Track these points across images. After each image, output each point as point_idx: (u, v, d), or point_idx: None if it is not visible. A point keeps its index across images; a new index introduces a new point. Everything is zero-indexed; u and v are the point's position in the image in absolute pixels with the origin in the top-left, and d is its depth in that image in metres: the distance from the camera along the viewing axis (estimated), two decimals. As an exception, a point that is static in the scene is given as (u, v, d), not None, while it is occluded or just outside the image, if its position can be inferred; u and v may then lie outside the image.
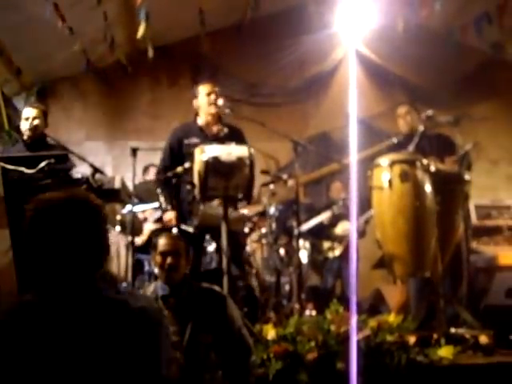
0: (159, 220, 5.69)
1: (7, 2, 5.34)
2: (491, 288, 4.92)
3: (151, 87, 7.71)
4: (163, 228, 5.55)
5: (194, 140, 4.50)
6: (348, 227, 6.19)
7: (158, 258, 3.27)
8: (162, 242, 3.31)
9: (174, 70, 7.70)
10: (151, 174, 6.07)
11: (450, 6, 6.76)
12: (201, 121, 4.66)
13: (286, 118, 7.27)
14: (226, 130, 4.62)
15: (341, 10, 6.81)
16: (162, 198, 4.53)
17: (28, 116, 4.57)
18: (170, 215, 4.49)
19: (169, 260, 3.23)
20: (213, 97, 4.57)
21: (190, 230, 4.30)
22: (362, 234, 6.14)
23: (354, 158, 3.18)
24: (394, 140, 5.29)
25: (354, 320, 3.51)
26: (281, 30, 7.52)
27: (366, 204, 4.90)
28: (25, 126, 4.57)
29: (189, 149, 4.40)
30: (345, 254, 6.14)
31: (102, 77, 7.43)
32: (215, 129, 4.62)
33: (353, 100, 2.74)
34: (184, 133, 4.64)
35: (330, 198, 6.72)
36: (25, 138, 4.60)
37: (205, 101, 4.59)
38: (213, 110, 4.56)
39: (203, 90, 4.62)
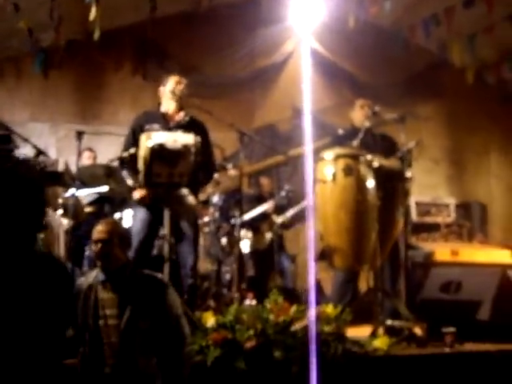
0: (92, 203, 5.63)
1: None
2: (427, 282, 5.05)
3: (98, 71, 7.59)
4: (95, 212, 5.52)
5: (156, 126, 4.49)
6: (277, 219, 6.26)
7: (93, 246, 3.27)
8: (95, 229, 3.30)
9: (121, 55, 7.59)
10: (84, 159, 5.96)
11: (399, 6, 6.88)
12: (164, 108, 4.66)
13: (232, 109, 7.27)
14: (187, 118, 4.64)
15: (293, 3, 6.84)
16: (127, 179, 4.47)
17: None
18: (142, 192, 4.42)
19: (99, 247, 3.23)
20: (180, 86, 4.60)
21: (166, 210, 4.23)
22: (287, 226, 6.23)
23: (309, 148, 3.20)
24: (340, 131, 5.37)
25: (312, 312, 3.57)
26: (233, 20, 7.52)
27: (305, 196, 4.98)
28: None
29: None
30: (277, 245, 6.19)
31: (48, 57, 7.26)
32: (178, 117, 4.63)
33: (306, 93, 2.78)
34: (146, 119, 4.63)
35: (262, 193, 6.77)
36: None
37: (172, 89, 4.60)
38: (177, 95, 4.57)
39: (173, 78, 4.66)
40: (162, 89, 4.71)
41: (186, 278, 4.48)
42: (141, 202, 4.45)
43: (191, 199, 4.44)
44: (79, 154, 4.81)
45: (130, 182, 4.50)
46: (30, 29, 6.28)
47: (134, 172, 4.43)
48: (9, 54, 7.26)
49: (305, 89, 2.98)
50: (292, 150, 6.17)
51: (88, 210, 5.55)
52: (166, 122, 4.57)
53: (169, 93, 4.63)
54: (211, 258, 5.43)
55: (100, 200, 5.55)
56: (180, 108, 4.67)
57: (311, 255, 3.53)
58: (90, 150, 6.22)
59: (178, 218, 4.29)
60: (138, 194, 4.43)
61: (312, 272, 3.35)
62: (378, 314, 4.43)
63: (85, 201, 5.58)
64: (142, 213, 4.48)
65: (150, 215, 4.43)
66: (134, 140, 4.53)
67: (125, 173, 4.53)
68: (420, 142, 5.10)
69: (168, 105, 4.67)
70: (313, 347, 3.30)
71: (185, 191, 4.35)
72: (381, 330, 4.22)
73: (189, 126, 4.53)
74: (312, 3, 6.49)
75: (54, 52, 7.09)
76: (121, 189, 5.13)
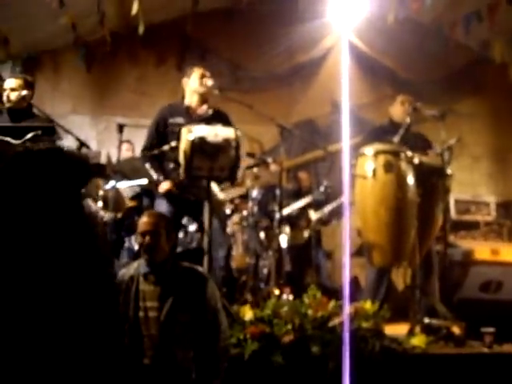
0: (134, 198, 5.68)
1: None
2: (466, 281, 5.00)
3: (138, 64, 7.63)
4: (136, 206, 5.58)
5: (179, 120, 4.50)
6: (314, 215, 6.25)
7: (139, 238, 3.29)
8: (141, 221, 3.32)
9: (161, 49, 7.63)
10: (123, 151, 6.02)
11: (440, 2, 6.80)
12: (187, 101, 4.66)
13: (272, 103, 7.25)
14: (211, 111, 4.64)
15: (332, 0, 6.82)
16: (152, 172, 4.51)
17: (11, 86, 4.48)
18: (167, 184, 4.45)
19: (147, 239, 3.24)
20: (205, 79, 4.59)
21: (191, 198, 4.28)
22: (325, 222, 6.21)
23: (346, 144, 3.20)
24: (377, 125, 5.35)
25: (346, 309, 3.57)
26: (272, 16, 7.49)
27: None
28: (10, 97, 4.50)
29: (173, 128, 4.42)
30: (314, 241, 6.18)
31: (90, 51, 7.36)
32: (201, 110, 4.63)
33: (344, 88, 2.77)
34: (170, 112, 4.63)
35: (301, 188, 6.76)
36: (8, 107, 4.52)
37: (196, 82, 4.59)
38: (202, 90, 4.57)
39: (196, 71, 4.63)
40: (185, 80, 4.69)
41: (218, 272, 4.51)
42: (168, 193, 4.47)
43: (220, 196, 4.46)
44: (120, 147, 4.85)
45: (154, 175, 4.53)
46: (73, 23, 6.37)
47: (159, 165, 4.49)
48: (51, 47, 7.37)
49: (343, 84, 2.96)
50: (331, 145, 6.14)
51: (130, 203, 5.61)
52: (189, 116, 4.57)
53: (192, 86, 4.63)
54: (249, 252, 5.44)
55: (141, 193, 5.61)
56: (203, 101, 4.65)
57: (346, 251, 3.51)
58: (129, 142, 6.27)
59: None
60: (164, 186, 4.46)
61: (347, 268, 3.32)
62: (415, 312, 4.40)
63: (126, 194, 5.65)
64: (164, 205, 4.49)
65: (173, 207, 4.45)
66: (157, 134, 4.57)
67: (148, 165, 4.56)
68: (460, 139, 5.04)
69: (191, 98, 4.66)
70: (346, 344, 3.29)
71: (215, 188, 4.36)
72: (418, 328, 4.19)
73: (212, 118, 4.51)
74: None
75: (96, 46, 7.18)
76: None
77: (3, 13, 5.99)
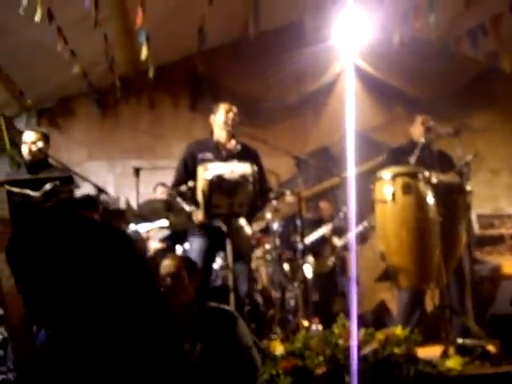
0: (164, 240, 5.71)
1: (5, 27, 5.37)
2: (496, 297, 4.93)
3: (151, 107, 7.73)
4: (167, 248, 5.59)
5: (209, 155, 4.54)
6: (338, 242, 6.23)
7: (162, 281, 3.28)
8: (163, 264, 3.32)
9: (173, 89, 7.73)
10: (158, 193, 6.07)
11: (444, 19, 6.81)
12: (216, 137, 4.71)
13: (286, 134, 7.31)
14: (239, 146, 4.66)
15: (338, 25, 6.88)
16: (184, 205, 4.51)
17: (28, 140, 4.57)
18: (201, 214, 4.42)
19: (168, 283, 3.24)
20: (231, 115, 4.63)
21: (223, 227, 4.24)
22: (349, 248, 6.16)
23: (352, 170, 3.20)
24: (395, 146, 5.34)
25: (354, 333, 3.51)
26: (278, 45, 7.55)
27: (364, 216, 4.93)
28: (25, 150, 4.58)
29: (202, 163, 4.43)
30: (339, 268, 6.15)
31: (102, 97, 7.47)
32: (229, 145, 4.66)
33: (350, 113, 2.76)
34: (198, 148, 4.67)
35: (322, 217, 6.74)
36: (26, 161, 4.61)
37: (222, 117, 4.64)
38: (229, 126, 4.62)
39: (222, 107, 4.68)
40: (212, 117, 4.75)
41: (241, 306, 4.49)
42: (201, 224, 4.46)
43: (248, 230, 4.45)
44: (138, 190, 4.88)
45: (186, 207, 4.53)
46: (84, 72, 6.47)
47: (190, 201, 4.49)
48: (64, 96, 7.49)
49: (349, 108, 2.97)
50: (347, 171, 6.12)
51: (157, 246, 5.63)
52: (219, 151, 4.61)
53: (219, 121, 4.67)
54: (275, 285, 5.42)
55: (171, 236, 5.62)
56: (231, 136, 4.70)
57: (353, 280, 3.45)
58: (163, 184, 6.27)
59: (235, 246, 4.30)
60: (198, 216, 4.45)
61: (354, 293, 3.29)
62: (447, 333, 4.33)
63: (157, 237, 5.68)
64: (198, 242, 4.50)
65: (208, 242, 4.45)
66: (185, 170, 4.58)
67: (180, 200, 4.57)
68: (477, 154, 5.02)
69: (219, 133, 4.70)
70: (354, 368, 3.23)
71: (242, 222, 4.36)
72: (452, 350, 4.11)
73: (241, 154, 4.55)
74: (356, 23, 6.50)
75: (108, 92, 7.29)
76: (180, 221, 5.19)
77: (16, 66, 6.11)
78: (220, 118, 4.67)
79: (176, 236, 5.55)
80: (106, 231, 1.69)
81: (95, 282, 1.58)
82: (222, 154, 4.58)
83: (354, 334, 3.50)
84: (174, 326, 1.68)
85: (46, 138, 4.64)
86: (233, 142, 4.67)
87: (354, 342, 3.46)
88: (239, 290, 4.45)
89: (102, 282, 1.60)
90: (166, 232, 5.64)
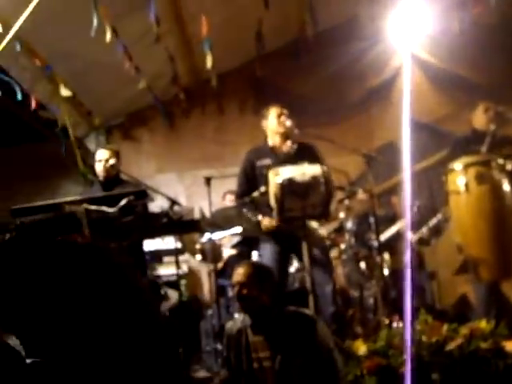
0: (235, 246, 5.77)
1: (73, 51, 5.55)
2: None
3: (216, 114, 7.81)
4: (240, 253, 5.64)
5: (266, 161, 4.56)
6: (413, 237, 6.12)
7: (232, 289, 3.33)
8: (235, 272, 3.36)
9: (236, 96, 7.78)
10: (227, 201, 6.15)
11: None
12: (271, 141, 4.72)
13: (352, 131, 7.25)
14: (295, 147, 4.66)
15: (394, 17, 6.78)
16: (250, 215, 4.56)
17: (101, 158, 4.72)
18: (268, 220, 4.48)
19: (239, 290, 3.28)
20: (282, 118, 4.64)
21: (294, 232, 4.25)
22: (425, 242, 6.04)
23: (408, 166, 3.14)
24: (460, 136, 5.22)
25: (408, 327, 3.43)
26: (336, 43, 7.51)
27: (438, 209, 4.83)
28: (99, 168, 4.73)
29: (262, 170, 4.48)
30: (415, 263, 6.04)
31: (167, 110, 7.61)
32: (285, 148, 4.67)
33: (407, 106, 2.72)
34: (256, 155, 4.70)
35: (395, 212, 6.64)
36: (100, 178, 4.75)
37: (274, 122, 4.66)
38: (282, 130, 4.62)
39: (273, 111, 4.69)
40: (264, 122, 4.76)
41: (326, 307, 4.47)
42: (270, 231, 4.49)
43: (321, 231, 4.45)
44: (210, 199, 4.94)
45: (253, 216, 4.56)
46: (149, 86, 6.61)
47: (256, 208, 4.52)
48: (130, 112, 7.67)
49: (405, 101, 2.92)
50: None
51: (231, 252, 5.70)
52: (275, 155, 4.62)
53: (272, 126, 4.68)
54: (352, 284, 5.39)
55: (242, 241, 5.69)
56: (286, 138, 4.69)
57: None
58: (232, 192, 6.34)
59: (310, 249, 4.30)
60: (266, 223, 4.47)
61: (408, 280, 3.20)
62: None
63: (227, 244, 5.75)
64: (269, 247, 4.52)
65: (279, 247, 4.47)
66: (246, 178, 4.62)
67: (245, 210, 4.60)
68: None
69: (273, 137, 4.71)
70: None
71: (314, 224, 4.35)
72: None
73: (298, 153, 4.55)
74: (413, 14, 6.39)
75: (172, 104, 7.42)
76: (253, 227, 5.23)
77: (84, 87, 6.30)
78: (272, 123, 4.68)
79: (248, 241, 5.60)
80: (86, 254, 1.69)
81: (71, 306, 1.58)
82: (279, 157, 4.59)
83: (408, 330, 3.43)
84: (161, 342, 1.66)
85: (117, 154, 4.78)
86: (288, 143, 4.67)
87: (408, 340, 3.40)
88: (324, 292, 4.44)
89: (78, 307, 1.60)
90: (237, 238, 5.69)
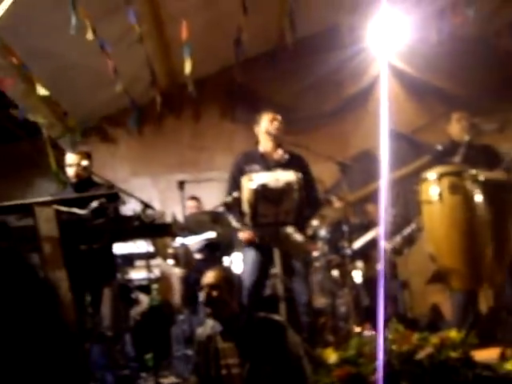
0: (200, 251, 5.72)
1: (50, 50, 5.48)
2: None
3: (193, 119, 7.78)
4: (206, 258, 5.61)
5: (256, 167, 4.52)
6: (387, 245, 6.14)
7: (203, 294, 3.30)
8: (204, 276, 3.34)
9: (213, 102, 7.76)
10: (188, 209, 6.06)
11: (482, 13, 6.70)
12: (262, 148, 4.69)
13: (327, 139, 7.25)
14: (286, 156, 4.64)
15: (373, 27, 6.83)
16: (233, 222, 4.53)
17: (71, 163, 4.63)
18: (247, 233, 4.47)
19: (210, 293, 3.25)
20: (275, 124, 4.61)
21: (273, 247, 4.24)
22: (398, 251, 6.06)
23: (385, 176, 3.15)
24: (439, 147, 5.25)
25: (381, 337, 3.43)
26: (315, 51, 7.52)
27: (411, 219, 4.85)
28: (70, 172, 4.64)
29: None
30: (389, 272, 6.06)
31: (144, 113, 7.56)
32: (276, 155, 4.64)
33: (385, 115, 2.73)
34: (245, 160, 4.66)
35: (370, 220, 6.66)
36: (72, 181, 4.67)
37: (267, 127, 4.62)
38: (274, 132, 4.59)
39: (266, 116, 4.67)
40: (256, 128, 4.72)
41: (302, 316, 4.45)
42: (248, 243, 4.48)
43: (298, 237, 4.42)
44: (184, 204, 4.91)
45: (235, 224, 4.54)
46: (127, 89, 6.56)
47: (239, 214, 4.47)
48: (106, 114, 7.61)
49: (383, 111, 2.93)
50: (391, 173, 6.06)
51: (198, 256, 5.66)
52: (266, 162, 4.58)
53: (264, 132, 4.65)
54: (325, 292, 5.39)
55: (208, 246, 5.65)
56: (278, 145, 4.66)
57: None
58: (194, 198, 6.29)
59: (288, 256, 4.28)
60: (244, 236, 4.46)
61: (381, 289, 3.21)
62: (504, 335, 4.24)
63: (194, 248, 5.70)
64: (251, 254, 4.50)
65: (260, 256, 4.44)
66: (235, 183, 4.55)
67: (230, 216, 4.58)
68: (523, 149, 4.90)
69: (265, 144, 4.68)
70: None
71: (290, 229, 4.33)
72: (510, 352, 4.00)
73: (289, 163, 4.52)
74: (392, 23, 6.44)
75: (149, 108, 7.37)
76: (227, 233, 5.20)
77: (61, 88, 6.23)
78: (265, 128, 4.65)
79: (216, 247, 5.57)
80: None
81: None
82: (268, 164, 4.55)
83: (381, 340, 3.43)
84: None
85: (88, 156, 4.69)
86: (280, 152, 4.64)
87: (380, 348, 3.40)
88: (299, 300, 4.43)
89: None
90: (203, 243, 5.65)
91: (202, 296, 3.32)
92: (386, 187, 2.99)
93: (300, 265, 4.47)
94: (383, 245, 6.13)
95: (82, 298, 4.13)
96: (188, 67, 5.95)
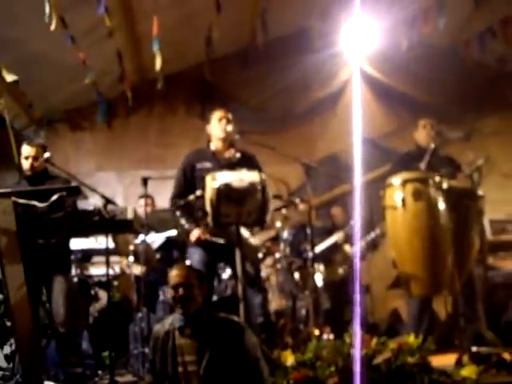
0: (159, 249, 5.66)
1: (15, 37, 5.38)
2: (511, 304, 4.86)
3: (161, 115, 7.74)
4: (163, 257, 5.55)
5: (207, 165, 4.47)
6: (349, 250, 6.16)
7: (171, 291, 3.25)
8: (172, 274, 3.28)
9: (182, 98, 7.73)
10: (139, 204, 5.96)
11: (453, 23, 6.77)
12: (213, 146, 4.64)
13: (294, 142, 7.26)
14: (238, 155, 4.60)
15: (345, 31, 6.85)
16: (182, 221, 4.46)
17: (26, 155, 4.48)
18: (198, 232, 4.40)
19: (180, 292, 3.21)
20: (223, 122, 4.56)
21: (221, 241, 4.22)
22: (361, 256, 6.06)
23: (358, 179, 3.14)
24: (405, 151, 5.28)
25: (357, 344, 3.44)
26: (286, 52, 7.56)
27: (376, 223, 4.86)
28: (25, 165, 4.49)
29: (201, 173, 4.36)
30: (351, 276, 6.08)
31: (111, 108, 7.48)
32: (227, 154, 4.60)
33: (357, 120, 2.72)
34: (197, 157, 4.61)
35: (334, 224, 6.68)
36: (27, 173, 4.52)
37: (216, 126, 4.58)
38: (222, 135, 4.55)
39: (215, 115, 4.62)
40: (207, 126, 4.67)
41: (255, 318, 4.43)
42: (198, 242, 4.42)
43: (253, 241, 4.39)
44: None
45: (185, 224, 4.47)
46: (94, 82, 6.48)
47: (189, 214, 4.44)
48: (73, 107, 7.51)
49: (355, 116, 2.92)
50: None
51: (157, 255, 5.61)
52: (217, 160, 4.53)
53: (213, 130, 4.61)
54: (285, 294, 5.38)
55: (167, 245, 5.59)
56: (229, 145, 4.61)
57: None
58: (147, 196, 6.17)
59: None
60: (195, 235, 4.41)
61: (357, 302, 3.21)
62: (461, 341, 4.27)
63: (153, 246, 5.64)
64: (198, 253, 4.43)
65: (207, 255, 4.40)
66: (185, 181, 4.53)
67: (179, 214, 4.51)
68: (488, 159, 4.95)
69: (216, 143, 4.64)
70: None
71: (245, 233, 4.29)
72: (466, 358, 4.04)
73: (240, 162, 4.48)
74: (364, 29, 6.46)
75: (117, 102, 7.29)
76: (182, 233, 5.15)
77: (26, 78, 6.12)
78: (214, 127, 4.61)
79: (173, 245, 5.52)
80: None
81: None
82: (220, 162, 4.50)
83: (358, 344, 3.43)
84: None
85: (44, 149, 4.52)
86: (232, 151, 4.61)
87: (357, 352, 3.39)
88: (252, 302, 4.40)
89: None
90: (160, 241, 5.60)
91: (168, 294, 3.28)
92: (358, 191, 2.98)
93: (250, 267, 4.43)
94: (356, 247, 6.16)
95: (38, 292, 4.04)
96: (158, 63, 5.89)
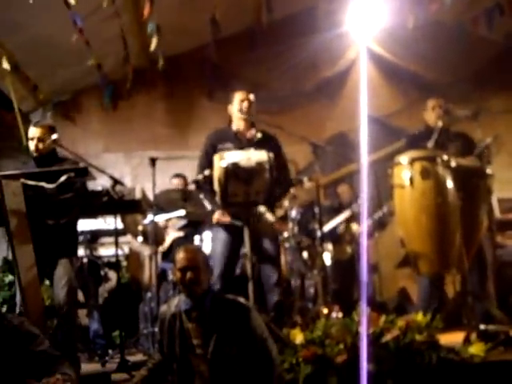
0: (182, 228, 5.69)
1: (18, 21, 5.36)
2: (520, 282, 4.87)
3: (166, 96, 7.72)
4: (185, 236, 5.58)
5: (229, 145, 4.48)
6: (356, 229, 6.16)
7: (178, 273, 3.23)
8: (180, 256, 3.26)
9: (189, 79, 7.70)
10: (173, 184, 6.02)
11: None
12: (235, 126, 4.66)
13: (302, 121, 7.25)
14: (259, 135, 4.61)
15: (352, 10, 6.79)
16: (205, 202, 4.49)
17: (33, 136, 4.42)
18: (219, 214, 4.43)
19: (188, 275, 3.19)
20: (245, 104, 4.57)
21: (239, 223, 4.20)
22: (369, 234, 6.06)
23: (365, 158, 3.14)
24: (415, 132, 5.26)
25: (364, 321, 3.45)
26: (292, 32, 7.50)
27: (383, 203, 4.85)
28: (32, 146, 4.44)
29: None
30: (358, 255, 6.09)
31: (117, 89, 7.46)
32: (249, 134, 4.61)
33: (364, 99, 2.70)
34: (218, 138, 4.62)
35: (341, 202, 6.67)
36: (34, 155, 4.48)
37: (237, 106, 4.59)
38: (243, 115, 4.56)
39: (238, 96, 4.63)
40: (230, 107, 4.70)
41: (270, 295, 4.44)
42: (221, 223, 4.44)
43: (269, 216, 4.40)
44: (154, 181, 4.86)
45: (208, 205, 4.50)
46: (99, 64, 6.45)
47: (212, 193, 4.44)
48: (79, 89, 7.50)
49: (362, 94, 2.91)
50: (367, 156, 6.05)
51: (177, 234, 5.62)
52: (239, 141, 4.54)
53: (235, 111, 4.62)
54: (294, 273, 5.40)
55: (187, 224, 5.61)
56: (251, 125, 4.64)
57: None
58: (179, 176, 6.16)
59: (258, 236, 4.26)
60: (216, 217, 4.43)
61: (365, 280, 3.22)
62: (469, 319, 4.28)
63: (174, 226, 5.65)
64: (221, 234, 4.47)
65: (230, 236, 4.42)
66: (208, 161, 4.49)
67: (202, 196, 4.54)
68: (497, 137, 4.92)
69: (238, 123, 4.65)
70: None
71: (262, 209, 4.30)
72: (474, 336, 4.05)
73: (261, 142, 4.49)
74: (370, 7, 6.40)
75: (122, 83, 7.27)
76: (197, 212, 5.17)
77: (31, 61, 6.12)
78: (235, 107, 4.62)
79: (194, 224, 5.54)
80: None
81: None
82: (241, 142, 4.51)
83: (364, 323, 3.45)
84: None
85: (52, 130, 4.47)
86: (253, 131, 4.62)
87: (364, 330, 3.40)
88: (269, 282, 4.42)
89: None
90: (184, 221, 5.62)
91: (176, 276, 3.27)
92: (366, 170, 2.96)
93: (270, 245, 4.46)
94: (359, 228, 6.17)
95: (47, 273, 4.05)
96: (154, 44, 5.86)
